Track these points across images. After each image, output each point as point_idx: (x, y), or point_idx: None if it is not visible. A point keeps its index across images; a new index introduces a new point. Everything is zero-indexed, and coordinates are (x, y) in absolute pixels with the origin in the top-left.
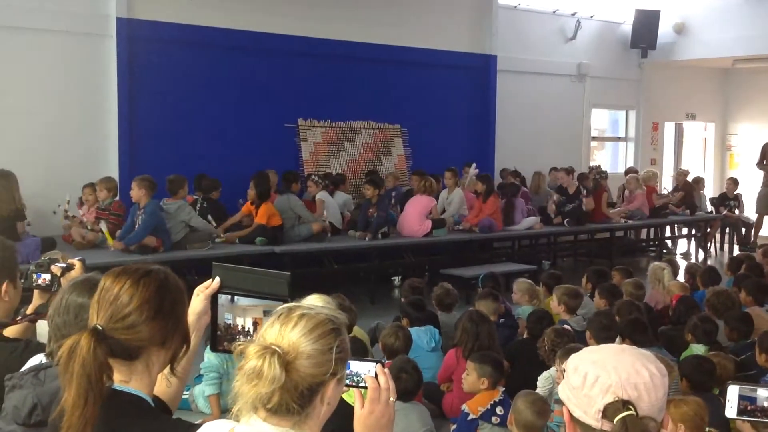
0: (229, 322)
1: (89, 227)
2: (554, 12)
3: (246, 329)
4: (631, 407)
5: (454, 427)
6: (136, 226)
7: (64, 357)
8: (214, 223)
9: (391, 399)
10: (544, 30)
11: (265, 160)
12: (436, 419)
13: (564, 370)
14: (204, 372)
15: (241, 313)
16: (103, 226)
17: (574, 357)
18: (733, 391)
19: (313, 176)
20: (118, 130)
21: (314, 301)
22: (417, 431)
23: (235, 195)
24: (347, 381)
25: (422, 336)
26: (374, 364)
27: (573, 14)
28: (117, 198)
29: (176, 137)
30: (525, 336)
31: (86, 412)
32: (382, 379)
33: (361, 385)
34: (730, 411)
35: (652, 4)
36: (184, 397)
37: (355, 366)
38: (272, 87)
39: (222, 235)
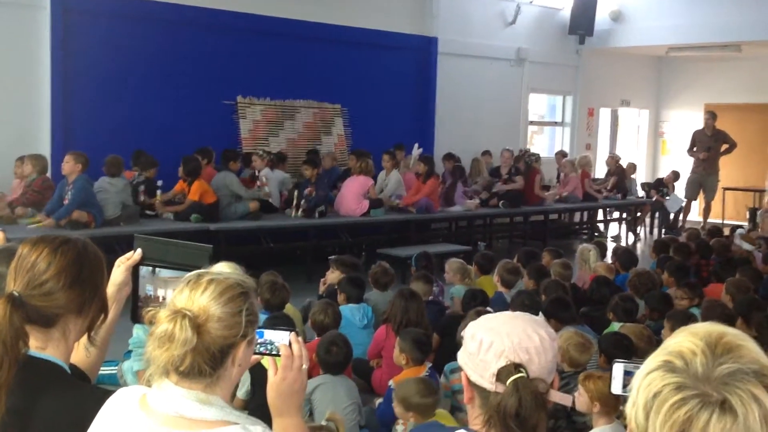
0: (151, 293)
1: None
2: None
3: (167, 301)
4: (522, 370)
5: (380, 401)
6: (65, 201)
7: None
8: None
9: (304, 366)
10: (484, 13)
11: (203, 138)
12: (364, 394)
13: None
14: (133, 347)
15: (163, 285)
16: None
17: (471, 324)
18: (617, 369)
19: (259, 150)
20: (51, 105)
21: (222, 268)
22: (343, 404)
23: (173, 172)
24: (261, 349)
25: (355, 313)
26: (288, 332)
27: None
28: (45, 175)
29: (112, 113)
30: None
31: (1, 377)
32: (295, 347)
33: (274, 353)
34: (616, 387)
35: None
36: (113, 372)
37: (270, 335)
38: (211, 63)
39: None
